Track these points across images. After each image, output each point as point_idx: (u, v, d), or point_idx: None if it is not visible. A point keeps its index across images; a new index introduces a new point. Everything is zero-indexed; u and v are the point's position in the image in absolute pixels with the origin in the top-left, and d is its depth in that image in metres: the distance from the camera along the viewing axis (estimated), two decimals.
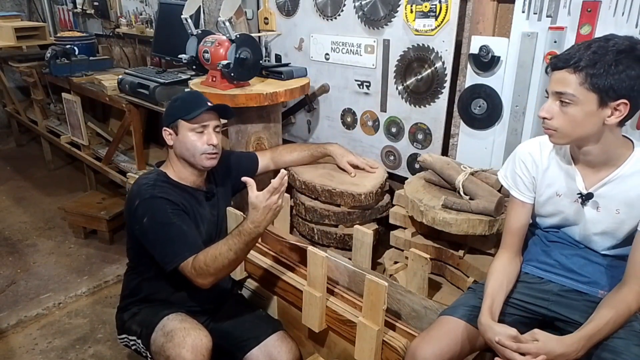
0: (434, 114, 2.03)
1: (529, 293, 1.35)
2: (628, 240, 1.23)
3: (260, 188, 1.39)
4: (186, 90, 2.15)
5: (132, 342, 1.60)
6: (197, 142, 1.58)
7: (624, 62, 1.07)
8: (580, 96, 1.11)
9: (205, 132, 1.59)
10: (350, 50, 2.22)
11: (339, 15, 2.22)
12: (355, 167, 2.06)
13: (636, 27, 1.45)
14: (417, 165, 2.11)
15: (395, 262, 1.84)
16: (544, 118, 1.18)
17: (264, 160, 2.01)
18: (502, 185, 1.45)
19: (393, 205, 1.90)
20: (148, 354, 1.52)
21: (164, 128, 1.61)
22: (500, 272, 1.33)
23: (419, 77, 2.03)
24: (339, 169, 2.08)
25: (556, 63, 1.14)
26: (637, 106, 1.12)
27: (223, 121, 1.73)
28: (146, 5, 3.40)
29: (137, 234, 1.54)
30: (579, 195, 1.25)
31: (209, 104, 1.60)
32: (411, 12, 1.95)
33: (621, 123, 1.14)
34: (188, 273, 1.44)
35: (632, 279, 1.18)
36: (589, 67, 1.08)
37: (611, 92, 1.09)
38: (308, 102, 2.50)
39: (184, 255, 1.44)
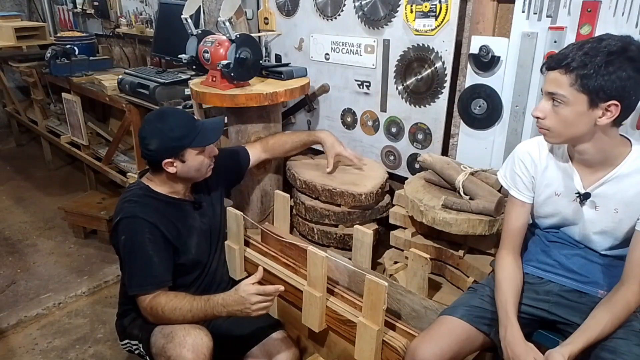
0: (434, 114, 2.03)
1: (530, 295, 1.35)
2: (628, 240, 1.23)
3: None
4: (163, 110, 1.89)
5: (134, 347, 1.60)
6: (204, 160, 1.59)
7: (615, 63, 1.07)
8: (571, 97, 1.12)
9: (207, 147, 1.61)
10: (350, 50, 2.22)
11: (339, 15, 2.22)
12: (346, 159, 2.06)
13: (636, 27, 1.45)
14: (417, 165, 2.11)
15: (395, 262, 1.84)
16: (538, 117, 1.19)
17: (255, 153, 1.97)
18: (502, 185, 1.45)
19: (393, 205, 1.90)
20: (149, 358, 1.52)
21: (166, 161, 1.52)
22: (512, 278, 1.32)
23: (419, 77, 2.03)
24: (340, 168, 2.08)
25: (550, 63, 1.15)
26: (629, 107, 1.12)
27: None
28: (146, 5, 3.41)
29: (114, 247, 1.58)
30: (577, 195, 1.25)
31: (197, 118, 1.64)
32: (411, 12, 1.95)
33: (615, 123, 1.14)
34: (142, 307, 1.47)
35: (630, 278, 1.19)
36: (580, 69, 1.09)
37: (601, 93, 1.09)
38: (308, 102, 2.50)
39: (146, 288, 1.47)
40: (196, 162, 1.57)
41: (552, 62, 1.14)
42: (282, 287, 1.43)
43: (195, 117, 1.61)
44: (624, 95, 1.09)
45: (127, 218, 1.51)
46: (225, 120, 1.68)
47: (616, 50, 1.07)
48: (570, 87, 1.11)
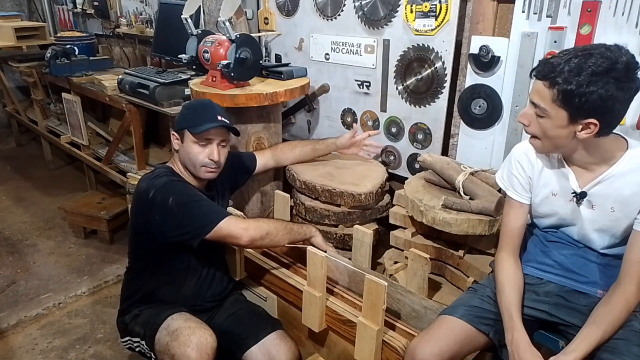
0: (434, 114, 2.03)
1: (530, 296, 1.35)
2: (627, 238, 1.23)
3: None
4: (206, 100, 2.06)
5: (136, 344, 1.60)
6: (199, 154, 1.59)
7: (598, 84, 1.06)
8: (552, 111, 1.14)
9: (209, 146, 1.60)
10: (350, 50, 2.22)
11: (339, 15, 2.22)
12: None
13: (636, 27, 1.45)
14: (417, 165, 2.11)
15: (395, 262, 1.84)
16: (523, 123, 1.22)
17: (263, 159, 2.01)
18: None
19: (393, 205, 1.90)
20: (152, 355, 1.52)
21: (173, 132, 1.64)
22: (514, 281, 1.32)
23: (419, 77, 2.03)
24: (340, 169, 2.09)
25: (538, 72, 1.15)
26: (610, 124, 1.13)
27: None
28: (146, 5, 3.41)
29: (157, 222, 1.50)
30: (574, 194, 1.26)
31: (219, 117, 1.59)
32: (411, 12, 1.95)
33: (600, 135, 1.14)
34: (234, 224, 1.50)
35: (627, 277, 1.19)
36: (563, 85, 1.09)
37: (581, 111, 1.10)
38: (308, 102, 2.50)
39: (220, 215, 1.50)
40: (190, 150, 1.59)
41: (540, 72, 1.14)
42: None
43: (220, 117, 1.62)
44: (604, 113, 1.09)
45: (164, 185, 1.52)
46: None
47: (601, 71, 1.06)
48: (552, 103, 1.13)
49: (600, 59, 1.07)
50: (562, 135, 1.16)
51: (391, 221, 1.88)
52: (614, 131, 1.20)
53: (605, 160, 1.20)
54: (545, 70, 1.13)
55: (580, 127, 1.13)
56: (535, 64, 1.65)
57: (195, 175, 1.64)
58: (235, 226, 1.50)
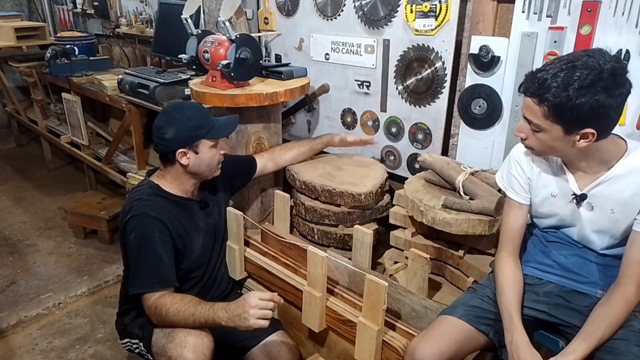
0: (434, 114, 2.03)
1: (529, 297, 1.35)
2: (626, 239, 1.23)
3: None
4: (180, 102, 2.06)
5: (135, 346, 1.60)
6: (215, 155, 1.61)
7: (587, 95, 1.06)
8: (546, 126, 1.14)
9: (217, 143, 1.62)
10: (350, 50, 2.22)
11: (339, 15, 2.22)
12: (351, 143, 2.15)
13: (636, 27, 1.45)
14: (417, 165, 2.11)
15: (395, 262, 1.84)
16: (520, 137, 1.22)
17: (262, 162, 2.00)
18: None
19: (393, 205, 1.90)
20: (150, 357, 1.52)
21: (180, 150, 1.53)
22: (514, 282, 1.32)
23: (419, 77, 2.03)
24: (340, 169, 2.09)
25: (527, 89, 1.15)
26: (607, 128, 1.13)
27: None
28: (146, 5, 3.41)
29: (122, 246, 1.55)
30: (573, 196, 1.26)
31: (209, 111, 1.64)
32: (411, 12, 1.95)
33: (599, 140, 1.14)
34: (146, 306, 1.45)
35: (626, 278, 1.19)
36: (552, 101, 1.09)
37: (575, 123, 1.10)
38: (308, 102, 2.50)
39: (153, 287, 1.45)
40: (208, 155, 1.58)
41: (529, 89, 1.14)
42: (281, 300, 1.42)
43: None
44: (599, 121, 1.09)
45: (137, 216, 1.49)
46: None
47: (588, 84, 1.05)
48: (545, 119, 1.13)
49: (585, 70, 1.06)
50: (561, 145, 1.16)
51: (391, 221, 1.88)
52: (613, 132, 1.20)
53: (604, 162, 1.21)
54: (533, 88, 1.12)
55: (578, 137, 1.13)
56: (535, 64, 1.67)
57: (207, 177, 1.64)
58: (147, 304, 1.45)
